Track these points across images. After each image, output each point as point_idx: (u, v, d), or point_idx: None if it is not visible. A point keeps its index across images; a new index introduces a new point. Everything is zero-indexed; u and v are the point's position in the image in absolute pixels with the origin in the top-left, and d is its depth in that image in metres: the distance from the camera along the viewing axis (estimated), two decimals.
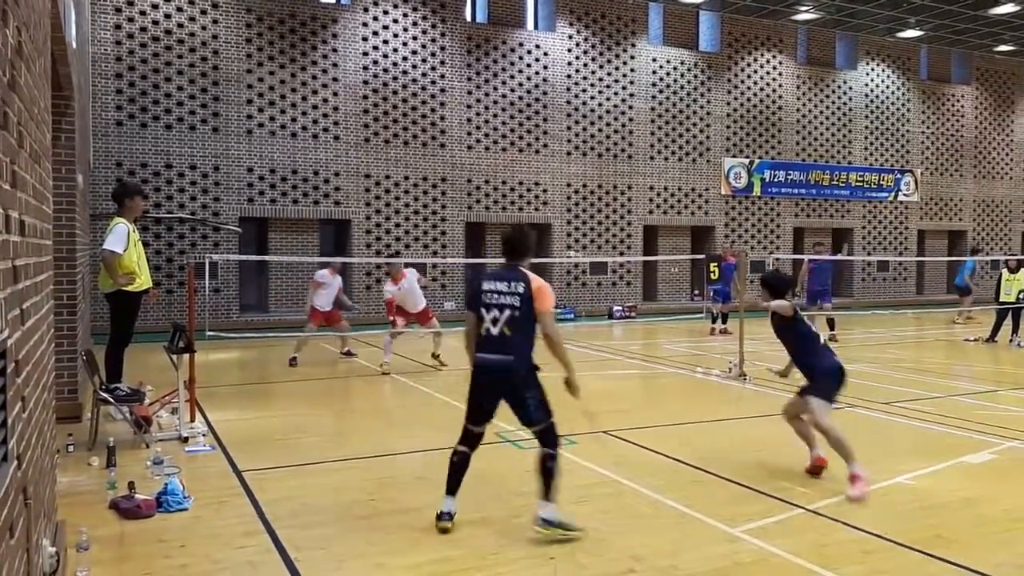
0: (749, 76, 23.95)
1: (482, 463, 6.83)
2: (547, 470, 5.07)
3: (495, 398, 5.25)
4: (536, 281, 5.17)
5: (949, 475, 6.48)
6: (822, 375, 6.20)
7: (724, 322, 17.06)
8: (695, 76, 23.19)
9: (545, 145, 21.22)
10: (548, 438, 5.18)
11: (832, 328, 16.08)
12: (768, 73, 24.24)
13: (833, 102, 25.36)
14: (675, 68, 22.91)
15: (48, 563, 3.62)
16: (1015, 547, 4.97)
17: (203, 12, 17.76)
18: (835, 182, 25.37)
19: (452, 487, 5.21)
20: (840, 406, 9.20)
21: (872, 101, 26.02)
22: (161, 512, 5.45)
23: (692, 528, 5.26)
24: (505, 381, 5.15)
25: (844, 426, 8.11)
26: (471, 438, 5.34)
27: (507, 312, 5.12)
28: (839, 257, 21.66)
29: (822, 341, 6.47)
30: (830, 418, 6.10)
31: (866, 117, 25.96)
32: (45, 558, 3.57)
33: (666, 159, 22.84)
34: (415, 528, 5.21)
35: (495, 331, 5.15)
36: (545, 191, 21.26)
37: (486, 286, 5.22)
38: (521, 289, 5.13)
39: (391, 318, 12.14)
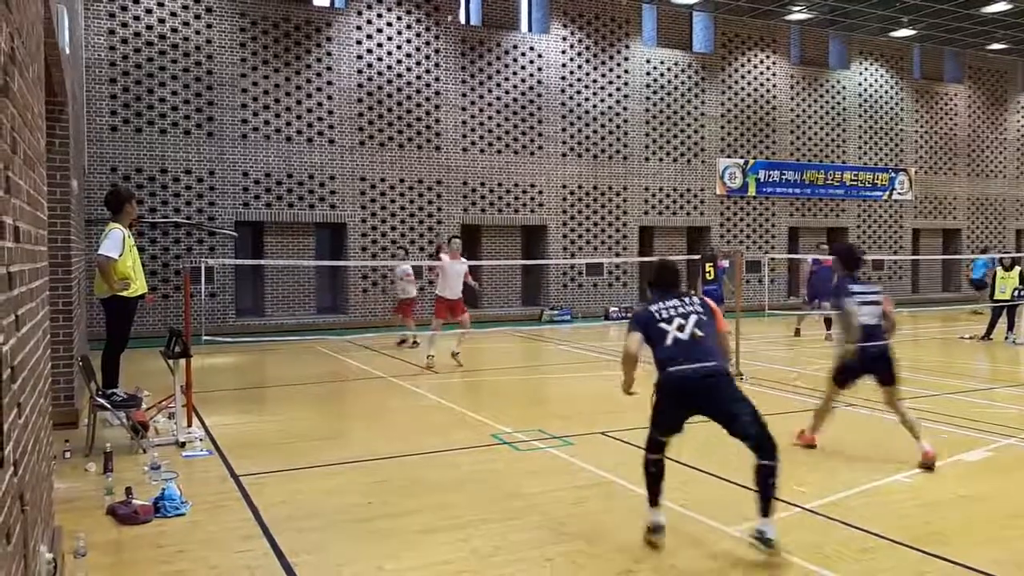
0: (743, 76, 24.00)
1: (479, 465, 6.84)
2: (769, 485, 4.70)
3: (693, 408, 4.93)
4: (705, 299, 5.22)
5: (946, 473, 6.49)
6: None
7: None
8: (689, 77, 23.23)
9: (540, 147, 21.23)
10: (766, 451, 4.74)
11: (828, 328, 16.14)
12: (762, 73, 24.29)
13: (827, 102, 25.42)
14: (669, 69, 22.94)
15: (45, 569, 3.61)
16: (1012, 544, 4.98)
17: (197, 17, 17.75)
18: (830, 182, 25.43)
19: (656, 497, 4.98)
20: (836, 405, 9.23)
21: (866, 100, 26.09)
22: (159, 517, 5.45)
23: (690, 528, 5.27)
24: (709, 389, 4.81)
25: (842, 425, 8.15)
26: (660, 446, 5.07)
27: (693, 317, 4.98)
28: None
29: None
30: None
31: (860, 116, 26.02)
32: (42, 564, 3.57)
33: (661, 160, 22.87)
34: (412, 531, 5.21)
35: (684, 336, 4.92)
36: (540, 193, 21.27)
37: (655, 307, 5.08)
38: (698, 302, 5.11)
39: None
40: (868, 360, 6.69)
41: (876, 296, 6.85)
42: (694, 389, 4.82)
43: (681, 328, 4.93)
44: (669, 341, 4.91)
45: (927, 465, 6.42)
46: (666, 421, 4.99)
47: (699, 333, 4.91)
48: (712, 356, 4.87)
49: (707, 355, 4.86)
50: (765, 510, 4.69)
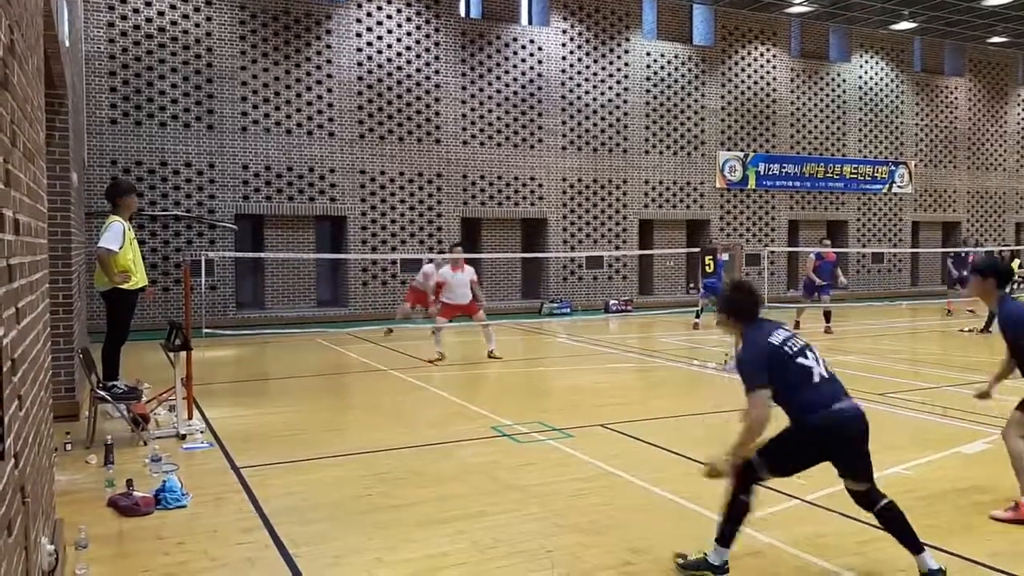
0: (743, 69, 23.96)
1: (479, 457, 6.86)
2: (901, 521, 4.23)
3: (833, 455, 4.25)
4: None
5: (945, 465, 6.51)
6: None
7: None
8: (689, 70, 23.19)
9: (540, 140, 21.21)
10: (877, 493, 4.30)
11: (828, 320, 16.16)
12: (762, 66, 24.24)
13: (827, 95, 25.38)
14: (669, 62, 22.90)
15: (47, 561, 3.63)
16: (1011, 536, 5.00)
17: (196, 9, 17.71)
18: (829, 174, 25.40)
19: (733, 536, 4.35)
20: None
21: (866, 93, 26.04)
22: (159, 509, 5.46)
23: (689, 520, 5.28)
24: (858, 432, 4.20)
25: None
26: (756, 482, 4.36)
27: (816, 352, 4.31)
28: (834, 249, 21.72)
29: None
30: None
31: (860, 109, 25.98)
32: (44, 556, 3.58)
33: (661, 153, 22.84)
34: (412, 523, 5.22)
35: (827, 373, 4.25)
36: (540, 186, 21.26)
37: (776, 338, 4.28)
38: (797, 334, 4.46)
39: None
40: None
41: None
42: (849, 435, 4.18)
43: (819, 362, 4.25)
44: (816, 379, 4.19)
45: None
46: (794, 464, 4.35)
47: (831, 370, 4.32)
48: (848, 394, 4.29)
49: (846, 393, 4.28)
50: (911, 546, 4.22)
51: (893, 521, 4.22)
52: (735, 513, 4.28)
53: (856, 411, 4.20)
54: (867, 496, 4.27)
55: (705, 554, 4.36)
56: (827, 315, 16.20)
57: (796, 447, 4.28)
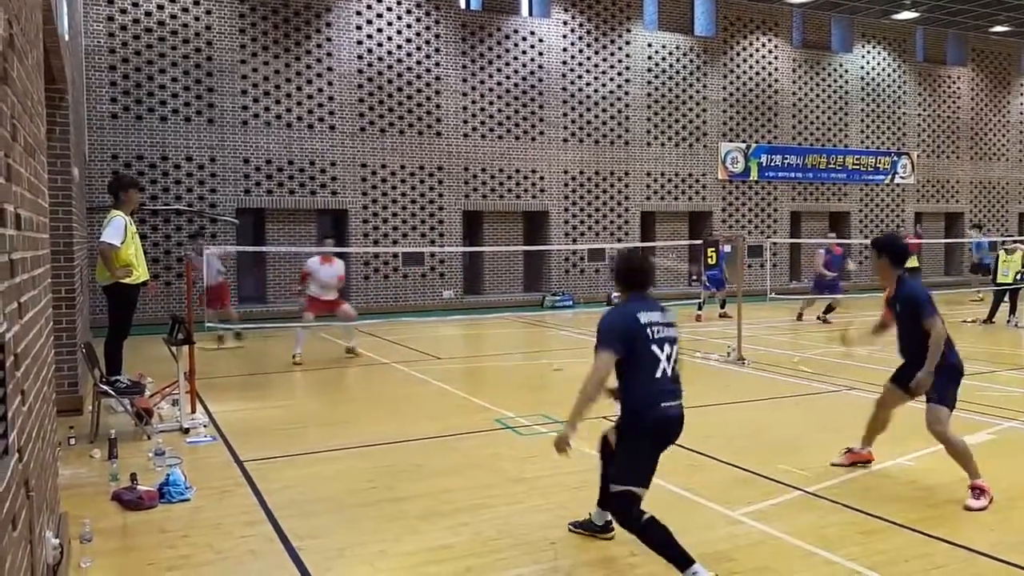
0: (745, 60, 23.88)
1: (482, 450, 6.87)
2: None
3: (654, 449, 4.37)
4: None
5: (948, 456, 6.50)
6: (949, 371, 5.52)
7: (723, 307, 17.14)
8: (691, 61, 23.12)
9: (541, 132, 21.17)
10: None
11: (828, 312, 16.21)
12: (764, 57, 24.17)
13: (829, 85, 25.30)
14: (671, 53, 22.83)
15: (52, 555, 3.64)
16: (1012, 526, 5.00)
17: (196, 3, 17.66)
18: (832, 166, 25.34)
19: (682, 554, 4.15)
20: (838, 388, 9.26)
21: (868, 84, 25.96)
22: (163, 503, 5.48)
23: (692, 512, 5.29)
24: (675, 435, 4.38)
25: (844, 408, 8.16)
26: (640, 501, 4.30)
27: (675, 348, 4.33)
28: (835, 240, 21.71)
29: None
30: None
31: (862, 100, 25.90)
32: (49, 550, 3.59)
33: (663, 144, 22.80)
34: (415, 515, 5.23)
35: (671, 372, 4.27)
36: (542, 178, 21.23)
37: (646, 318, 4.26)
38: (673, 319, 4.40)
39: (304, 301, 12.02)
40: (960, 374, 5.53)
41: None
42: (670, 435, 4.35)
43: (669, 359, 4.27)
44: (659, 373, 4.22)
45: None
46: (651, 468, 4.32)
47: (678, 370, 4.34)
48: (681, 394, 4.36)
49: (679, 394, 4.34)
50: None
51: (646, 535, 4.17)
52: (657, 536, 4.19)
53: (678, 416, 4.29)
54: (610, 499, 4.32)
55: (590, 515, 4.86)
56: (829, 307, 16.32)
57: (636, 446, 4.30)
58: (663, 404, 4.23)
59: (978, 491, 5.31)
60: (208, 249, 13.15)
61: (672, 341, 4.33)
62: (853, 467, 6.16)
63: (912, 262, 19.52)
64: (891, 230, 24.81)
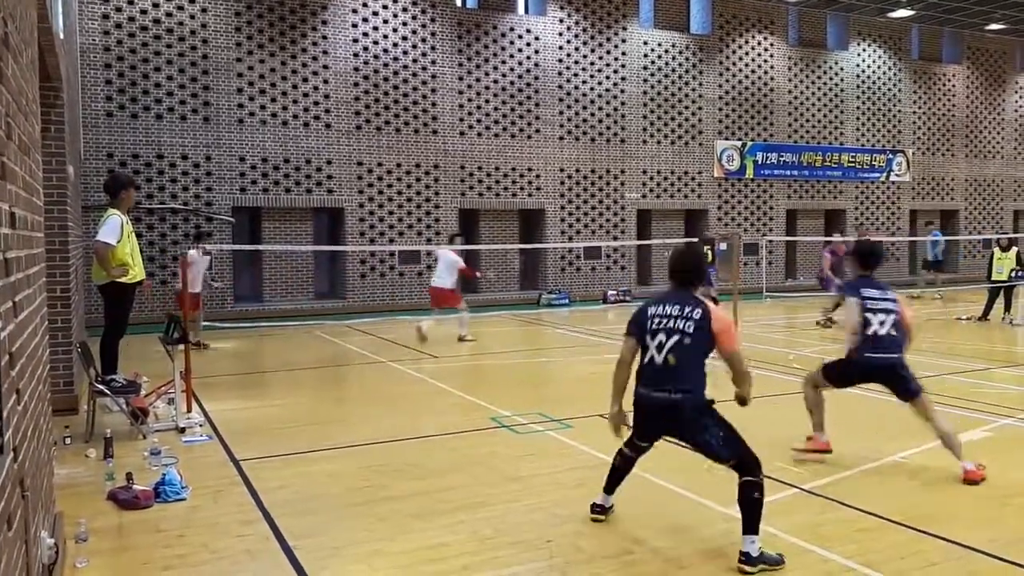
0: (740, 58, 23.90)
1: (478, 448, 6.87)
2: (752, 501, 4.38)
3: (660, 431, 4.85)
4: (715, 312, 4.65)
5: (944, 453, 6.51)
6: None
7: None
8: (687, 59, 23.12)
9: (537, 130, 21.16)
10: (745, 467, 4.48)
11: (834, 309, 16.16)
12: (759, 55, 24.18)
13: (825, 83, 25.33)
14: (666, 51, 22.83)
15: (47, 554, 3.64)
16: (1008, 523, 5.02)
17: (191, 1, 17.62)
18: (827, 163, 25.38)
19: (610, 487, 5.11)
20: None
21: (864, 82, 25.99)
22: (159, 502, 5.47)
23: (689, 510, 5.30)
24: (678, 420, 4.62)
25: (840, 406, 8.16)
26: (635, 448, 5.01)
27: (676, 338, 4.58)
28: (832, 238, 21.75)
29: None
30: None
31: (858, 98, 25.93)
32: (44, 549, 3.59)
33: (659, 143, 22.80)
34: (411, 514, 5.23)
35: (659, 360, 4.61)
36: (538, 176, 21.22)
37: (653, 310, 4.74)
38: (697, 316, 4.58)
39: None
40: (873, 370, 6.08)
41: (891, 304, 6.05)
42: (656, 416, 4.68)
43: (660, 348, 4.60)
44: (647, 359, 4.68)
45: (971, 482, 5.77)
46: (638, 432, 4.93)
47: (672, 360, 4.56)
48: (682, 384, 4.54)
49: (675, 384, 4.54)
50: (746, 528, 4.38)
51: (744, 499, 4.44)
52: (614, 463, 5.08)
53: (656, 401, 4.62)
54: (736, 471, 4.55)
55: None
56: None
57: (634, 417, 4.90)
58: (641, 389, 4.72)
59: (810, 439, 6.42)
60: (200, 254, 12.92)
61: (671, 332, 4.62)
62: (817, 454, 6.44)
63: None
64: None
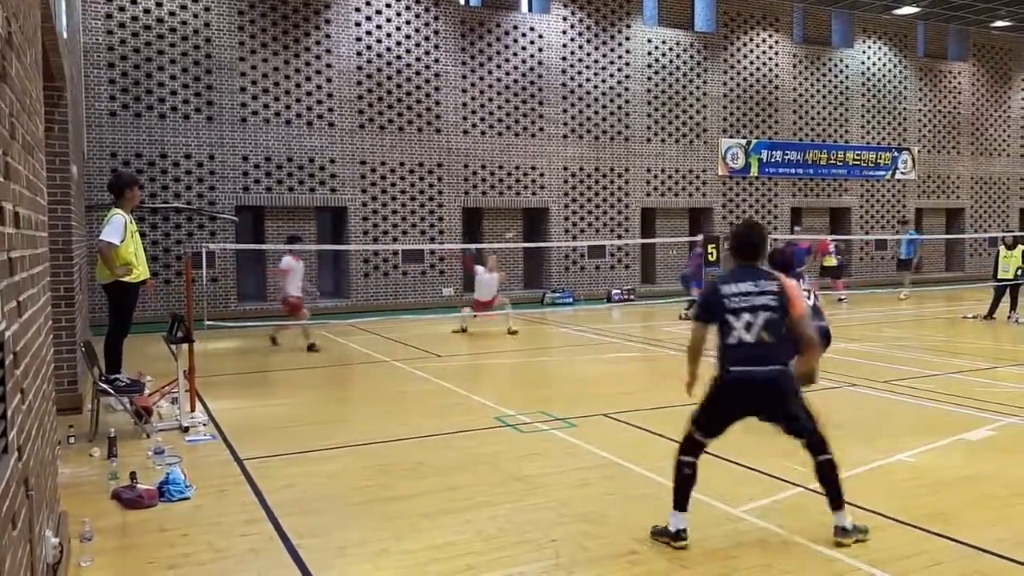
0: (745, 56, 23.84)
1: (482, 448, 6.86)
2: (836, 477, 4.61)
3: (751, 412, 4.72)
4: (784, 278, 4.71)
5: (949, 452, 6.50)
6: None
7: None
8: (691, 57, 23.08)
9: (541, 129, 21.14)
10: (822, 445, 4.64)
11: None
12: (764, 52, 24.13)
13: (830, 81, 25.26)
14: (671, 49, 22.79)
15: (51, 554, 3.63)
16: (1015, 522, 5.00)
17: (195, 0, 17.63)
18: (832, 161, 25.32)
19: (684, 502, 4.70)
20: (839, 385, 9.25)
21: (869, 79, 25.92)
22: (163, 502, 5.47)
23: (694, 510, 5.27)
24: (773, 396, 4.61)
25: (845, 405, 8.15)
26: (697, 448, 4.78)
27: (763, 315, 4.57)
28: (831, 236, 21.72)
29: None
30: None
31: (863, 95, 25.86)
32: (48, 549, 3.59)
33: (663, 141, 22.77)
34: (416, 513, 5.22)
35: (750, 337, 4.56)
36: (542, 175, 21.20)
37: (728, 289, 4.64)
38: (775, 287, 4.62)
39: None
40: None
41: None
42: (754, 393, 4.60)
43: (748, 327, 4.56)
44: (733, 340, 4.58)
45: None
46: (715, 422, 4.73)
47: (766, 337, 4.55)
48: (778, 359, 4.59)
49: (774, 359, 4.57)
50: (835, 504, 4.62)
51: (826, 477, 4.60)
52: (677, 477, 4.75)
53: (758, 375, 4.55)
54: (810, 450, 4.66)
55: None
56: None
57: (709, 400, 4.73)
58: (736, 369, 4.59)
59: None
60: (294, 259, 13.25)
61: (756, 310, 4.59)
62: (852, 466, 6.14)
63: (829, 260, 20.10)
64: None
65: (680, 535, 4.62)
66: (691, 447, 4.77)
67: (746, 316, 4.57)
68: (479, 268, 14.79)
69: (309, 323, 13.18)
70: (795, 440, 4.72)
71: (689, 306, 16.84)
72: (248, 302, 18.60)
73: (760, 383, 4.57)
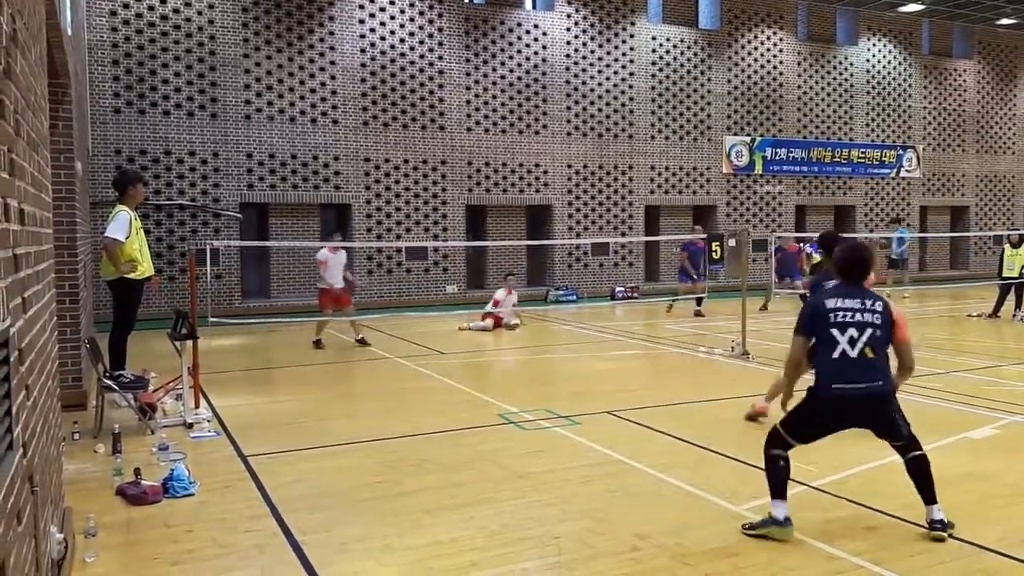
0: (749, 53, 23.80)
1: (486, 445, 6.87)
2: (929, 473, 4.71)
3: (853, 425, 4.79)
4: (891, 303, 4.79)
5: (952, 451, 6.49)
6: None
7: (699, 304, 16.84)
8: (695, 54, 23.04)
9: (545, 126, 21.13)
10: (915, 443, 4.76)
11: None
12: (768, 50, 24.08)
13: (834, 78, 25.20)
14: (675, 46, 22.76)
15: (56, 549, 3.65)
16: (1018, 521, 4.99)
17: None
18: (837, 159, 25.27)
19: (783, 491, 4.77)
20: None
21: (873, 77, 25.86)
22: (167, 498, 5.48)
23: (696, 506, 5.28)
24: (875, 409, 4.68)
25: None
26: (788, 445, 4.84)
27: (868, 332, 4.63)
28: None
29: None
30: None
31: (868, 93, 25.80)
32: (53, 544, 3.60)
33: (667, 138, 22.74)
34: (420, 510, 5.23)
35: (853, 353, 4.62)
36: (546, 172, 21.19)
37: (832, 304, 4.69)
38: (880, 308, 4.69)
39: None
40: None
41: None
42: (858, 408, 4.67)
43: (852, 342, 4.61)
44: (836, 354, 4.62)
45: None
46: (810, 433, 4.83)
47: (870, 354, 4.61)
48: (879, 375, 4.64)
49: (874, 375, 4.62)
50: (929, 498, 4.73)
51: (922, 474, 4.72)
52: (773, 469, 4.83)
53: (858, 392, 4.60)
54: (902, 450, 4.79)
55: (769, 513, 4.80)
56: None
57: (805, 411, 4.80)
58: (840, 384, 4.62)
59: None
60: (331, 251, 13.10)
61: (862, 326, 4.63)
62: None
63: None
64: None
65: (788, 520, 4.69)
66: (781, 443, 4.85)
67: (851, 331, 4.63)
68: (500, 292, 15.40)
69: (331, 317, 13.19)
70: (886, 441, 4.84)
71: (672, 303, 17.27)
72: (252, 299, 18.63)
73: (861, 399, 4.63)
